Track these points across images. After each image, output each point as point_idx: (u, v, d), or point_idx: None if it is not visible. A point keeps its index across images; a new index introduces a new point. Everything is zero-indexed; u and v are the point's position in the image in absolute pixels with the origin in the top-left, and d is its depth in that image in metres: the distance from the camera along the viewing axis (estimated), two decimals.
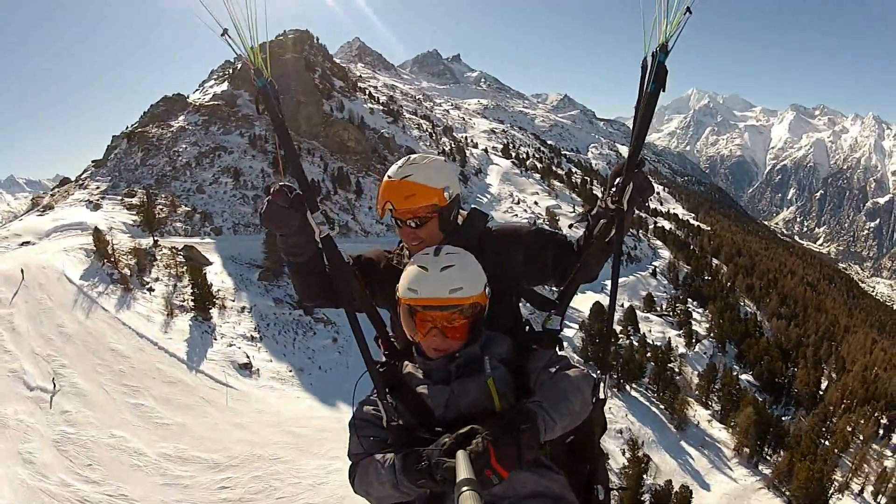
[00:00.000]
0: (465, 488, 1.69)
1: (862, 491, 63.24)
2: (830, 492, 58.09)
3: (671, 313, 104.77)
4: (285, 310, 60.77)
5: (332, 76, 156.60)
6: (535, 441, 2.09)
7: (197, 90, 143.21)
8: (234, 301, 58.01)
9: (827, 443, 71.22)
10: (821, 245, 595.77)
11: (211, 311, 53.45)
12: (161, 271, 58.70)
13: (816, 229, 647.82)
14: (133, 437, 34.68)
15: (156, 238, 65.41)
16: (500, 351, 2.60)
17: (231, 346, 49.62)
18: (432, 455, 2.05)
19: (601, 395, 2.77)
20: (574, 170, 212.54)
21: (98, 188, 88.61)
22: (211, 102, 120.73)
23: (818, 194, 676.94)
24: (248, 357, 47.94)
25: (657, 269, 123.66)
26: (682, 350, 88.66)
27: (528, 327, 3.07)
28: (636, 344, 79.35)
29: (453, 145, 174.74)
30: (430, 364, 2.56)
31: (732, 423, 69.23)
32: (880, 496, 62.26)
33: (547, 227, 3.32)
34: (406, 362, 2.71)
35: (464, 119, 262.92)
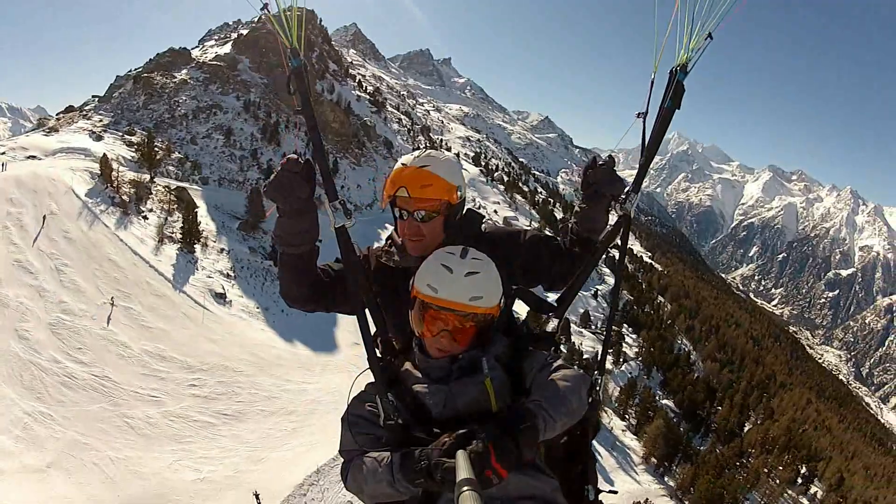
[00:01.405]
0: (465, 488, 1.66)
1: None
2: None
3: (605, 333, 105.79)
4: (258, 258, 65.38)
5: (327, 58, 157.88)
6: (535, 441, 2.06)
7: (196, 47, 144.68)
8: (215, 242, 62.22)
9: (737, 476, 72.36)
10: (775, 306, 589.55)
11: (195, 245, 57.71)
12: (155, 204, 62.89)
13: (773, 290, 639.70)
14: (121, 333, 39.39)
15: (152, 175, 69.21)
16: (497, 351, 2.51)
17: (210, 277, 54.27)
18: (432, 455, 2.00)
19: (596, 397, 2.75)
20: (539, 189, 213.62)
21: (101, 121, 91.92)
22: (214, 62, 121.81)
23: (780, 256, 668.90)
24: (223, 289, 52.73)
25: (598, 292, 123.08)
26: (608, 367, 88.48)
27: (525, 329, 3.00)
28: (565, 351, 79.75)
29: (428, 144, 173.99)
30: (430, 362, 2.48)
31: (644, 434, 71.40)
32: None
33: (540, 231, 3.31)
34: (404, 360, 2.64)
35: (443, 122, 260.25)
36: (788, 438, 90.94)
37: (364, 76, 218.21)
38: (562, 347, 74.84)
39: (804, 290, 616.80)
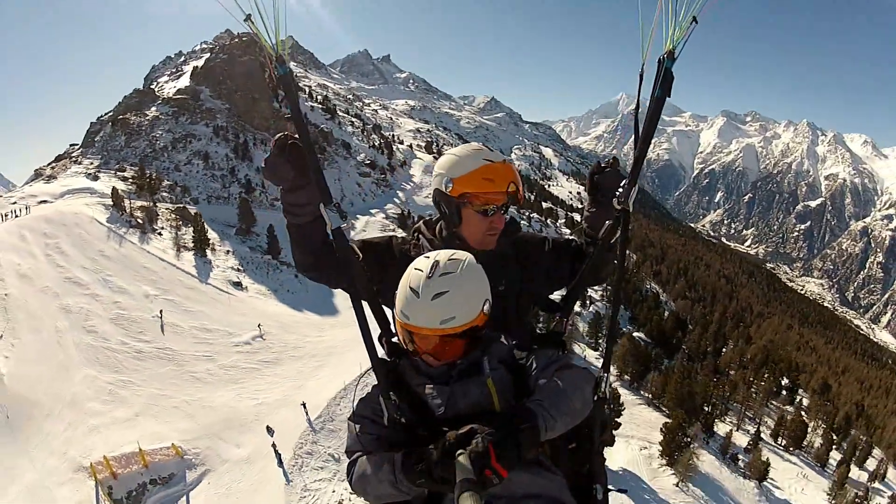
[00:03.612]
0: (465, 488, 1.65)
1: (759, 436, 65.54)
2: (710, 411, 64.07)
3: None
4: (258, 254, 74.43)
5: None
6: (536, 440, 2.00)
7: (151, 84, 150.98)
8: (220, 246, 70.50)
9: (709, 383, 72.69)
10: (749, 246, 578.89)
11: (206, 250, 66.19)
12: (164, 223, 71.25)
13: (744, 231, 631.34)
14: (171, 317, 48.30)
15: (155, 201, 77.48)
16: (500, 351, 2.43)
17: (224, 272, 63.17)
18: (432, 455, 1.95)
19: (601, 394, 2.75)
20: None
21: (92, 164, 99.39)
22: (178, 97, 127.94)
23: (746, 197, 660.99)
24: (238, 278, 61.48)
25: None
26: (577, 309, 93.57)
27: (529, 328, 3.03)
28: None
29: (381, 141, 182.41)
30: (430, 368, 2.37)
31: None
32: (780, 438, 68.04)
33: (561, 237, 3.18)
34: (408, 360, 2.50)
35: (391, 119, 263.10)
36: (766, 355, 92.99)
37: (311, 87, 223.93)
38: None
39: (775, 227, 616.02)
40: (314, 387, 40.36)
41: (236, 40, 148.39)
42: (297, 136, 2.34)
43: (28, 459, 31.18)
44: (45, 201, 74.94)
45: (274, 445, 33.59)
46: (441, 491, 2.02)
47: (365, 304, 2.61)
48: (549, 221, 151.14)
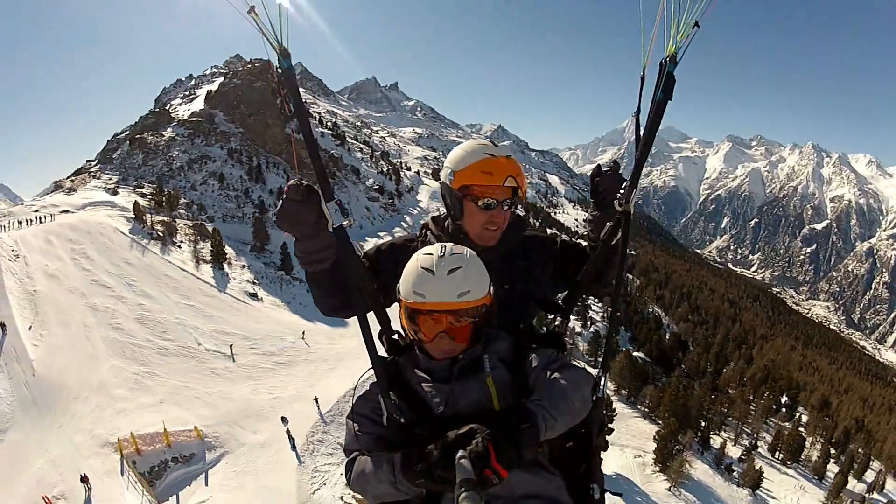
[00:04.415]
0: (464, 488, 1.65)
1: (756, 446, 69.51)
2: (706, 425, 67.49)
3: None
4: (272, 270, 79.28)
5: (289, 103, 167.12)
6: (536, 441, 1.99)
7: (165, 106, 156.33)
8: (236, 261, 74.50)
9: (704, 397, 76.64)
10: (755, 272, 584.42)
11: (223, 264, 70.33)
12: (183, 237, 75.62)
13: (751, 256, 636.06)
14: (193, 320, 52.38)
15: (173, 217, 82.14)
16: (500, 350, 2.45)
17: (241, 284, 67.15)
18: (432, 455, 1.95)
19: (600, 394, 2.68)
20: None
21: (111, 179, 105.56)
22: (193, 119, 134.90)
23: (752, 222, 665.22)
24: (254, 290, 65.55)
25: None
26: (578, 330, 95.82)
27: (529, 327, 2.99)
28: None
29: (389, 167, 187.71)
30: (431, 363, 2.39)
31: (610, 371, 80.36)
32: (777, 451, 69.59)
33: (569, 239, 3.26)
34: (407, 358, 2.53)
35: (399, 146, 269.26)
36: (766, 374, 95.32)
37: (320, 113, 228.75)
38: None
39: (781, 251, 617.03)
40: (326, 385, 43.81)
41: (249, 66, 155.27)
42: (307, 183, 2.36)
43: (54, 436, 34.51)
44: (66, 211, 79.03)
45: (288, 432, 37.22)
46: (441, 491, 2.07)
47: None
48: None
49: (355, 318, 2.56)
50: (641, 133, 2.64)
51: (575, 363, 2.48)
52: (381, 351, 2.58)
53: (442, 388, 2.33)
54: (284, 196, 2.27)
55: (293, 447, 36.36)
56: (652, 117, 2.55)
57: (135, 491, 30.76)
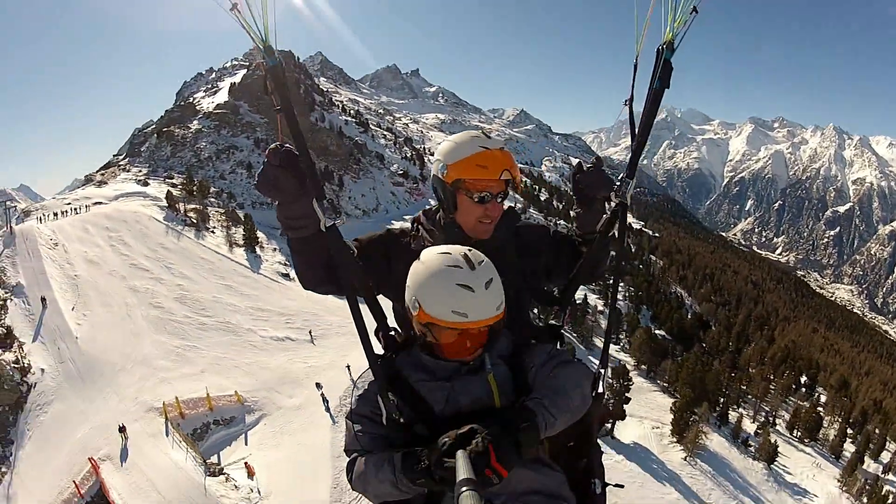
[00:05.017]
0: (464, 488, 1.65)
1: (774, 423, 70.45)
2: (722, 401, 67.75)
3: (593, 283, 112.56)
4: None
5: (312, 92, 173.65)
6: (536, 439, 2.02)
7: (187, 100, 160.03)
8: (268, 245, 76.77)
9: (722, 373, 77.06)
10: (780, 254, 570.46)
11: (256, 247, 73.16)
12: (215, 223, 78.89)
13: (775, 239, 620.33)
14: (229, 298, 55.40)
15: (205, 204, 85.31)
16: (500, 347, 2.45)
17: (273, 265, 69.85)
18: (432, 455, 1.97)
19: (599, 390, 2.72)
20: (524, 179, 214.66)
21: (140, 171, 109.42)
22: (218, 111, 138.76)
23: (776, 205, 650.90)
24: (286, 270, 68.37)
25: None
26: (600, 308, 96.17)
27: (529, 322, 3.00)
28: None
29: (413, 153, 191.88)
30: (438, 363, 2.36)
31: (628, 342, 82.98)
32: (795, 429, 69.95)
33: (565, 230, 3.23)
34: (406, 356, 2.52)
35: (422, 132, 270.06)
36: (787, 353, 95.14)
37: (343, 101, 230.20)
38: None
39: (805, 234, 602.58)
40: (357, 356, 45.94)
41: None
42: (288, 145, 2.34)
43: (99, 404, 37.83)
44: (99, 203, 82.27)
45: (322, 395, 39.99)
46: (441, 490, 2.09)
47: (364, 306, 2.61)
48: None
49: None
50: (636, 122, 2.73)
51: (574, 358, 2.62)
52: (378, 349, 2.61)
53: (442, 386, 2.35)
54: (265, 161, 2.31)
55: (327, 408, 39.07)
56: (648, 106, 2.61)
57: (179, 449, 33.50)
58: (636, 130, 2.71)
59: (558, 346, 2.76)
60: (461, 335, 2.24)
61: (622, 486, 3.14)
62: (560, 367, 2.38)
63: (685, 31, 2.36)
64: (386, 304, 2.73)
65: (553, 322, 3.00)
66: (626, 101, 2.66)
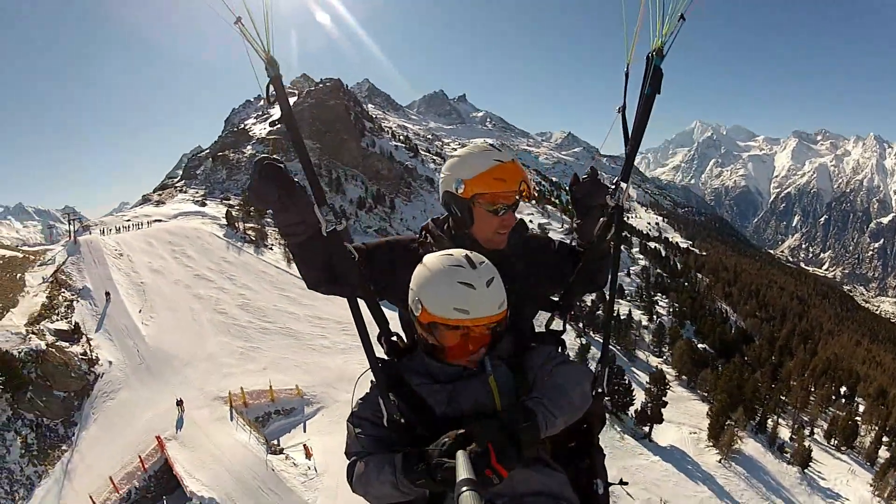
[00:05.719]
0: (465, 489, 1.67)
1: (812, 433, 70.46)
2: (760, 410, 67.42)
3: (638, 300, 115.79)
4: None
5: (362, 118, 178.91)
6: (536, 439, 2.05)
7: (240, 127, 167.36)
8: None
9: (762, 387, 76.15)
10: (826, 270, 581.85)
11: None
12: (273, 241, 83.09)
13: (822, 254, 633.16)
14: (289, 307, 59.15)
15: (263, 224, 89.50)
16: (501, 349, 2.49)
17: None
18: (432, 455, 2.01)
19: (600, 389, 2.78)
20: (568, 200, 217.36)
21: (198, 193, 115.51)
22: (270, 136, 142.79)
23: (822, 219, 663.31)
24: None
25: (631, 271, 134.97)
26: (644, 323, 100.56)
27: (531, 326, 3.03)
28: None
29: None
30: (442, 367, 2.44)
31: (670, 354, 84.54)
32: (832, 438, 69.34)
33: (567, 242, 3.25)
34: (408, 361, 2.60)
35: None
36: (828, 364, 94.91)
37: (391, 127, 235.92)
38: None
39: (851, 247, 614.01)
40: None
41: (320, 85, 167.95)
42: (274, 157, 2.41)
43: (165, 394, 40.84)
44: (159, 220, 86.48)
45: None
46: (442, 491, 2.11)
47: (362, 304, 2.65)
48: (622, 248, 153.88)
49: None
50: (629, 129, 2.75)
51: (574, 360, 2.67)
52: (381, 353, 2.70)
53: (443, 388, 2.41)
54: (252, 173, 2.39)
55: None
56: (640, 112, 2.67)
57: (243, 431, 36.70)
58: (629, 136, 2.76)
59: (557, 349, 2.84)
60: (463, 336, 2.35)
61: (626, 484, 3.46)
62: (559, 366, 2.47)
63: (674, 38, 2.47)
64: (390, 312, 2.79)
65: (554, 326, 3.09)
66: (618, 108, 2.77)
